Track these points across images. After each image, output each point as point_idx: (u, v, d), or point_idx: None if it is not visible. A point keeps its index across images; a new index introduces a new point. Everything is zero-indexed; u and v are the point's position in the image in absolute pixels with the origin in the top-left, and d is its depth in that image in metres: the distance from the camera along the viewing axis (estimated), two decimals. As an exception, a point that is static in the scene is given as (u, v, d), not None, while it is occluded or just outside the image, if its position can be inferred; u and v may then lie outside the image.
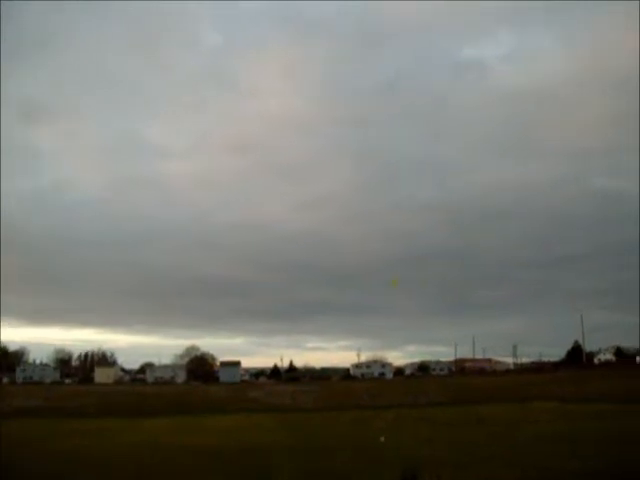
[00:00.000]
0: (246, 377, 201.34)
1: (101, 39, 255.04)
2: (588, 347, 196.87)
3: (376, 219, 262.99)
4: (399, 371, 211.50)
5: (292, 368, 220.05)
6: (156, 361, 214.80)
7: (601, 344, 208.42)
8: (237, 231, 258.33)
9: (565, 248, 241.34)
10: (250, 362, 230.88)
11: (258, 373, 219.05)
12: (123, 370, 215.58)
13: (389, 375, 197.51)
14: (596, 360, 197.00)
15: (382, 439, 28.06)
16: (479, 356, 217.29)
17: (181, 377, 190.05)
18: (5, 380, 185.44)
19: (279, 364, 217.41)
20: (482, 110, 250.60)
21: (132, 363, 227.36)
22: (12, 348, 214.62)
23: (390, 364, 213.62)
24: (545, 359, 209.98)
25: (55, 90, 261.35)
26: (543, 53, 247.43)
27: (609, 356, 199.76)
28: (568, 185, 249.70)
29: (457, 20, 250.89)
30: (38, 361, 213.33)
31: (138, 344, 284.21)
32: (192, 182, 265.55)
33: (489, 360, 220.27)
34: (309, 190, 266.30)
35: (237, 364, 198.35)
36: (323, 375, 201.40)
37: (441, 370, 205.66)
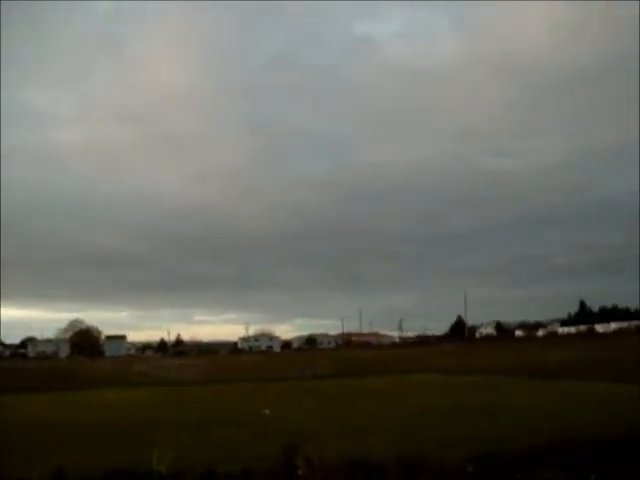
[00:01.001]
0: (132, 351, 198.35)
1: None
2: (471, 321, 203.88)
3: (267, 193, 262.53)
4: (287, 344, 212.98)
5: (179, 342, 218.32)
6: (39, 335, 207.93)
7: (483, 319, 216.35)
8: (125, 202, 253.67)
9: (451, 226, 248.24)
10: (137, 336, 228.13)
11: (144, 347, 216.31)
12: (2, 344, 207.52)
13: (277, 348, 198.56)
14: (478, 334, 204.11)
15: (267, 412, 27.99)
16: (366, 330, 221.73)
17: (65, 352, 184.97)
18: None
19: (166, 338, 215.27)
20: (373, 87, 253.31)
21: (13, 337, 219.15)
22: None
23: (278, 337, 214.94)
24: (430, 333, 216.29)
25: None
26: (435, 33, 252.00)
27: (490, 330, 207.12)
28: (455, 164, 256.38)
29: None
30: None
31: (20, 317, 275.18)
32: (79, 151, 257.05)
33: (375, 334, 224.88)
34: (199, 163, 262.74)
35: (123, 338, 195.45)
36: (211, 349, 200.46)
37: (328, 343, 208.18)
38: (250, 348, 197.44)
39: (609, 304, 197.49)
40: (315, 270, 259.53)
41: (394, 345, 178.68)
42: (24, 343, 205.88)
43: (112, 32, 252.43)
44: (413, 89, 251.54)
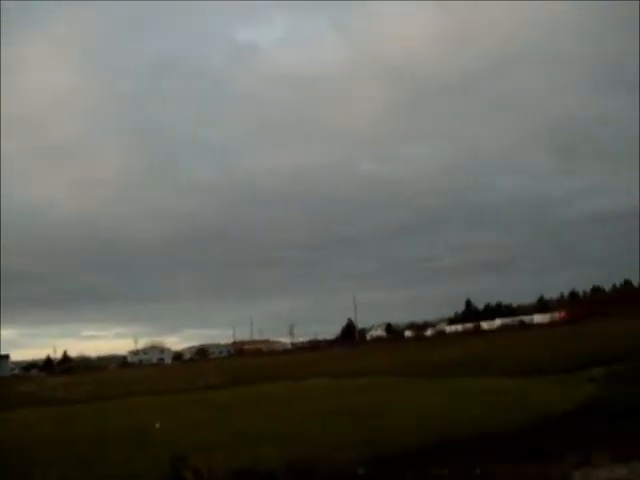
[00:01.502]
0: (17, 371, 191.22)
1: None
2: (361, 325, 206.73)
3: (154, 201, 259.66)
4: (178, 356, 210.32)
5: (66, 359, 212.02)
6: None
7: (373, 321, 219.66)
8: (8, 213, 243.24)
9: (339, 231, 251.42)
10: (22, 354, 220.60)
11: (29, 366, 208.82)
12: None
13: (168, 360, 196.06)
14: (368, 336, 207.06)
15: (157, 425, 27.32)
16: (257, 337, 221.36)
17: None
18: None
19: (52, 355, 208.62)
20: (258, 93, 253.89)
21: None
22: None
23: (169, 349, 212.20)
24: (321, 338, 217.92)
25: None
26: (319, 38, 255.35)
27: (380, 332, 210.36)
28: (341, 170, 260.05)
29: (232, 2, 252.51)
30: None
31: None
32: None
33: (267, 341, 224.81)
34: (85, 170, 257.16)
35: (6, 357, 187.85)
36: (100, 365, 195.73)
37: (220, 353, 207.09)
38: (140, 361, 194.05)
39: (494, 302, 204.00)
40: (203, 278, 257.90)
41: (286, 351, 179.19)
42: None
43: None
44: (298, 95, 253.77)
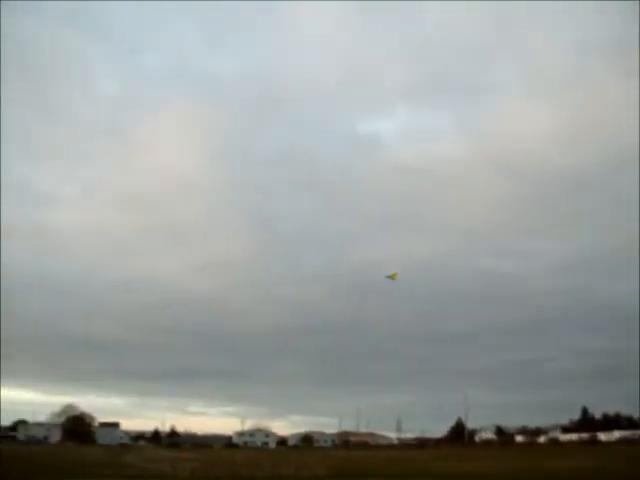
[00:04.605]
0: (125, 440, 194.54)
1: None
2: (470, 424, 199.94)
3: (265, 286, 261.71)
4: (283, 441, 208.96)
5: (173, 433, 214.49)
6: (31, 418, 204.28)
7: (482, 422, 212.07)
8: (122, 287, 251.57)
9: (451, 326, 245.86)
10: (131, 424, 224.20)
11: (138, 436, 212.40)
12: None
13: (273, 445, 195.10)
14: (477, 438, 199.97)
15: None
16: (363, 429, 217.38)
17: (56, 436, 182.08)
18: None
19: (160, 428, 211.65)
20: (376, 183, 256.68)
21: (4, 420, 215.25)
22: None
23: (274, 433, 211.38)
24: (428, 435, 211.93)
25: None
26: (436, 131, 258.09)
27: (490, 434, 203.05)
28: (456, 263, 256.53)
29: (357, 92, 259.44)
30: None
31: (13, 399, 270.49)
32: (79, 233, 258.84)
33: (372, 434, 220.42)
34: (199, 252, 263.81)
35: (116, 425, 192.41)
36: (205, 442, 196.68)
37: (325, 442, 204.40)
38: (245, 443, 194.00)
39: (611, 411, 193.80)
40: (312, 365, 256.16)
41: (392, 446, 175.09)
42: (15, 426, 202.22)
43: (117, 118, 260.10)
44: (415, 187, 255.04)
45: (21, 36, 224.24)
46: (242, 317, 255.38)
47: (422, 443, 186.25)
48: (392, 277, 56.02)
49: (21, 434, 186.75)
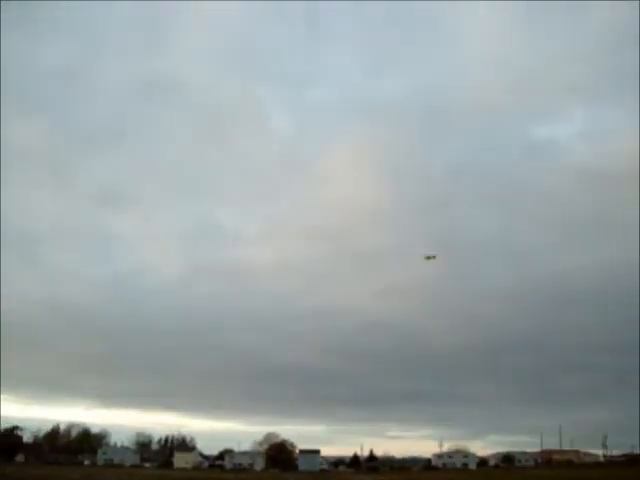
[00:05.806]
0: (325, 465, 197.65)
1: (169, 130, 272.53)
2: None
3: (454, 306, 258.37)
4: (483, 462, 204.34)
5: (372, 457, 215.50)
6: (235, 447, 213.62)
7: None
8: (314, 317, 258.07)
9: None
10: (330, 450, 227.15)
11: (337, 462, 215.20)
12: (202, 455, 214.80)
13: (472, 465, 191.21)
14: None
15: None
16: (566, 447, 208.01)
17: (260, 464, 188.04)
18: (86, 462, 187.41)
19: (359, 453, 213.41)
20: (557, 189, 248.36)
21: (211, 449, 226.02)
22: (94, 430, 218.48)
23: (473, 454, 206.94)
24: (638, 451, 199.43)
25: (131, 179, 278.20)
26: (615, 131, 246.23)
27: None
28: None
29: (527, 98, 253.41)
30: (119, 444, 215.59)
31: (217, 429, 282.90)
32: (269, 268, 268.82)
33: (577, 451, 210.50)
34: (387, 277, 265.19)
35: (317, 452, 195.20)
36: (403, 465, 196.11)
37: (526, 461, 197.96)
38: (444, 465, 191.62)
39: None
40: (508, 384, 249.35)
41: (598, 464, 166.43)
42: (222, 455, 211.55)
43: (295, 153, 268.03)
44: (600, 190, 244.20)
45: (197, 84, 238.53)
46: (432, 339, 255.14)
47: (632, 460, 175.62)
48: (431, 258, 54.44)
49: (228, 462, 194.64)
